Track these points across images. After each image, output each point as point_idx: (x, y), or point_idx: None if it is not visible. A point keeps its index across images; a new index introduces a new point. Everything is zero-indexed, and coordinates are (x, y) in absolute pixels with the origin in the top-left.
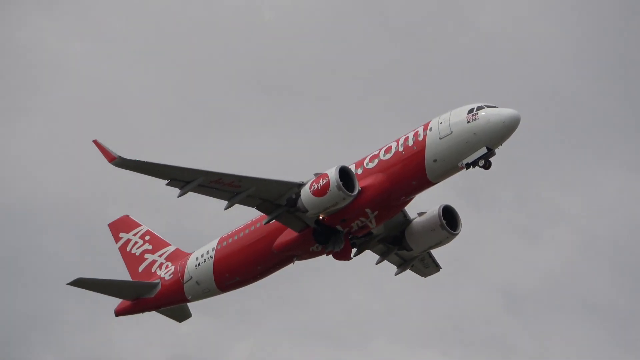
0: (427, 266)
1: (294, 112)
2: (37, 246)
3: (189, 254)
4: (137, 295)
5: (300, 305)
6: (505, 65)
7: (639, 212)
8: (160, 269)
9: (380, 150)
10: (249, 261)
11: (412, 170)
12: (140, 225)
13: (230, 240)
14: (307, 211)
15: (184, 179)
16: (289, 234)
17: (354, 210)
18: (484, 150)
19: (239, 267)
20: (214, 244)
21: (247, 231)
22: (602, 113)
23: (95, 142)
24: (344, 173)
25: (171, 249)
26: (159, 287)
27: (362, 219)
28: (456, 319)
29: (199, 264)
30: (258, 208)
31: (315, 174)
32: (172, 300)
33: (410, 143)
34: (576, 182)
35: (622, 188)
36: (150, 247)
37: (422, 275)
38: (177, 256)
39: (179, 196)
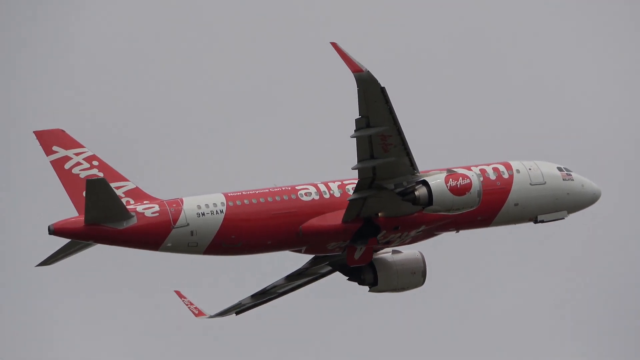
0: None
1: None
2: None
3: (176, 199)
4: (102, 220)
5: None
6: None
7: None
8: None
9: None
10: (264, 231)
11: (487, 206)
12: (82, 146)
13: (246, 201)
14: (426, 206)
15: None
16: (327, 220)
17: (418, 222)
18: (564, 214)
19: (250, 233)
20: (220, 198)
21: (270, 199)
22: None
23: (334, 45)
24: None
25: (130, 185)
26: (134, 221)
27: (406, 233)
28: None
29: (202, 214)
30: (361, 180)
31: (449, 170)
32: (143, 241)
33: (492, 177)
34: None
35: None
36: (101, 175)
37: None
38: (139, 196)
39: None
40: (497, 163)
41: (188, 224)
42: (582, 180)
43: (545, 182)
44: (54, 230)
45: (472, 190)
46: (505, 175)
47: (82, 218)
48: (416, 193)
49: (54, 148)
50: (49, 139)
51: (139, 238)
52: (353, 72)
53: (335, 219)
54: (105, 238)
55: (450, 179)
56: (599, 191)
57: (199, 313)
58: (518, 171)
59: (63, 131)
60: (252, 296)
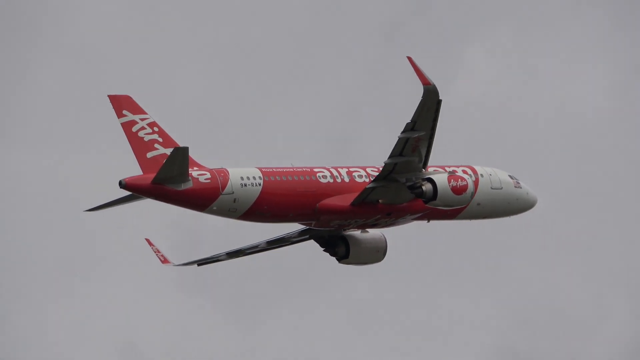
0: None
1: None
2: None
3: (221, 168)
4: (165, 181)
5: None
6: None
7: None
8: None
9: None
10: (289, 205)
11: None
12: (145, 112)
13: (278, 177)
14: (431, 200)
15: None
16: (339, 201)
17: (408, 210)
18: (505, 217)
19: (278, 206)
20: (256, 172)
21: (296, 178)
22: None
23: (409, 58)
24: None
25: None
26: (190, 184)
27: (393, 219)
28: None
29: (245, 184)
30: (383, 172)
31: (449, 171)
32: (195, 202)
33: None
34: None
35: None
36: (161, 140)
37: None
38: (191, 162)
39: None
40: (464, 166)
41: (233, 192)
42: (528, 190)
43: (502, 188)
44: (125, 185)
45: (467, 191)
46: (472, 178)
47: (149, 176)
48: (423, 188)
49: (124, 112)
50: (120, 103)
51: (192, 199)
52: (423, 84)
53: (345, 201)
54: (164, 196)
55: (452, 179)
56: (536, 202)
57: (164, 261)
58: (482, 175)
59: (130, 97)
60: (228, 253)
